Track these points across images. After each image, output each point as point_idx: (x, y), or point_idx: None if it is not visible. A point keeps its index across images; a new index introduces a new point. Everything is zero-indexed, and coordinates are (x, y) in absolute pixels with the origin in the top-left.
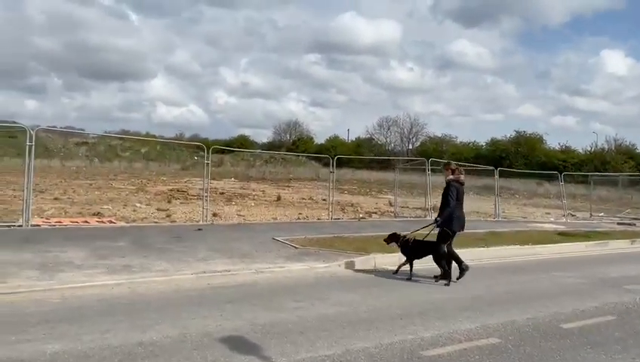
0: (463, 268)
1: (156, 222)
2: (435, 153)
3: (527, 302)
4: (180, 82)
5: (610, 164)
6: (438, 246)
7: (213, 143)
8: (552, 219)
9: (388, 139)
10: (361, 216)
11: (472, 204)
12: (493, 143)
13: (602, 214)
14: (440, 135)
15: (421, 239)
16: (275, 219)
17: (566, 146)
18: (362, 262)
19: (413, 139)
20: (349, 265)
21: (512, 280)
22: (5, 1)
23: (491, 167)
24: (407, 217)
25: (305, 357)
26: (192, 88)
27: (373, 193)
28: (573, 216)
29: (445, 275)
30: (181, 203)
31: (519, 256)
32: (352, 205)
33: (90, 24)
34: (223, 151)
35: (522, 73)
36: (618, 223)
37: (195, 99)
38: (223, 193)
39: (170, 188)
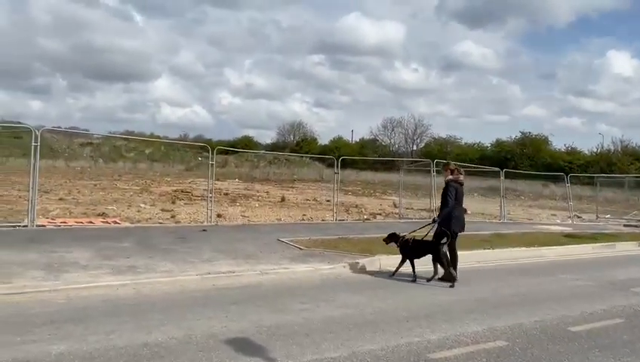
0: (453, 277)
1: (161, 223)
2: (440, 154)
3: (534, 304)
4: (184, 83)
5: (617, 166)
6: (437, 245)
7: (217, 144)
8: (558, 221)
9: (392, 140)
10: (365, 217)
11: (477, 206)
12: (499, 144)
13: (608, 216)
14: (445, 136)
15: (420, 239)
16: (280, 220)
17: (572, 147)
18: (367, 263)
19: (418, 140)
20: (354, 267)
21: (518, 283)
22: (11, 2)
23: (496, 169)
24: (411, 218)
25: (311, 359)
26: (196, 89)
27: (377, 194)
28: (579, 217)
29: (449, 277)
30: (185, 203)
31: (525, 258)
32: (356, 206)
33: (94, 25)
34: (227, 152)
35: (527, 74)
36: (625, 225)
37: (199, 100)
38: (227, 194)
39: (175, 188)
